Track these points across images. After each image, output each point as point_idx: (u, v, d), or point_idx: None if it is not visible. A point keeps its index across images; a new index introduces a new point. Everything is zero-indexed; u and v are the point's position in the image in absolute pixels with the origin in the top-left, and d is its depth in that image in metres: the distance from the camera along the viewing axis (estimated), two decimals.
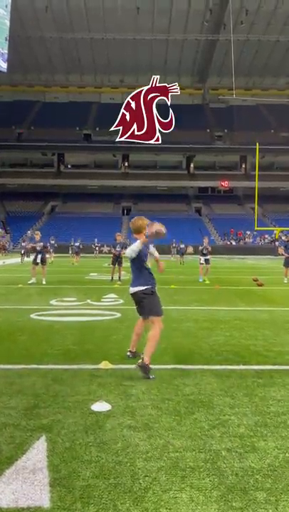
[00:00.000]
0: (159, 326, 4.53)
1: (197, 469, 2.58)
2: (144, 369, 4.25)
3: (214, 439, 2.96)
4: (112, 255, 15.19)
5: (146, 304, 4.60)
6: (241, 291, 12.36)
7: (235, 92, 39.46)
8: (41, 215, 54.48)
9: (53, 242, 31.14)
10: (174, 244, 35.82)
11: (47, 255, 25.33)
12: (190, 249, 37.20)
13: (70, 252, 26.61)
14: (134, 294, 4.64)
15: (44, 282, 13.25)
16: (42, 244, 13.99)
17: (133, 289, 4.63)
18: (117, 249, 14.62)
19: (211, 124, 61.12)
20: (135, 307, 4.82)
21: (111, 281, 14.12)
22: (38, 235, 14.18)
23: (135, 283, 4.63)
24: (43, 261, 13.64)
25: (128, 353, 4.92)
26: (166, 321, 6.97)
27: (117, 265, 14.49)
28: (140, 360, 4.31)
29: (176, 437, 2.98)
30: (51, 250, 29.84)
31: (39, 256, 13.56)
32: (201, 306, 9.29)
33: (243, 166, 60.20)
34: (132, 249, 4.49)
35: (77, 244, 26.64)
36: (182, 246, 28.74)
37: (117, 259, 14.43)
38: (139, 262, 4.64)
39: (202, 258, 15.33)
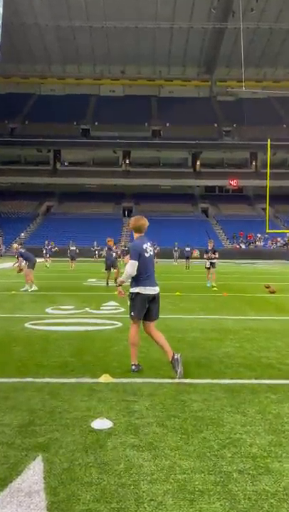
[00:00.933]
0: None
1: (206, 492, 2.57)
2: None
3: (225, 460, 2.95)
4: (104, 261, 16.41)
5: (159, 304, 5.05)
6: (252, 298, 12.34)
7: (245, 83, 39.68)
8: (36, 216, 54.61)
9: (52, 247, 31.16)
10: (175, 248, 35.17)
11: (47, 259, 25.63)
12: (196, 253, 37.16)
13: (69, 256, 26.71)
14: (158, 294, 5.00)
15: (27, 288, 13.27)
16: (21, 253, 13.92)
17: (158, 288, 5.01)
18: (111, 253, 15.82)
19: (219, 118, 61.25)
20: (138, 311, 4.89)
21: (107, 286, 14.74)
22: (14, 248, 14.27)
23: (154, 283, 4.99)
24: (30, 266, 13.69)
25: (133, 367, 4.94)
26: (171, 331, 6.99)
27: (112, 269, 15.40)
28: (180, 354, 4.77)
29: (183, 458, 2.98)
30: (48, 255, 29.97)
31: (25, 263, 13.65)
32: (208, 314, 9.28)
33: (254, 163, 60.26)
34: (128, 272, 4.90)
35: (73, 248, 26.66)
36: (187, 249, 28.65)
37: (111, 264, 15.42)
38: (152, 260, 5.06)
39: (208, 262, 15.65)
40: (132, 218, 5.22)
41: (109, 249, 16.00)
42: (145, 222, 5.11)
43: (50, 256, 30.18)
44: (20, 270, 13.68)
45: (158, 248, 31.09)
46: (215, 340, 6.70)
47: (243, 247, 48.48)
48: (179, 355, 4.72)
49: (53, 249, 30.93)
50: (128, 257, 5.22)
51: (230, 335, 7.09)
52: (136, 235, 5.14)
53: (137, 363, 4.97)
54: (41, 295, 12.39)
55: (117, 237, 42.77)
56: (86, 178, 56.27)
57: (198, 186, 60.03)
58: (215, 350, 6.04)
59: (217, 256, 16.08)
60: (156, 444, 3.17)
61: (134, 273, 4.85)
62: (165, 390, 4.32)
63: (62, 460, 2.93)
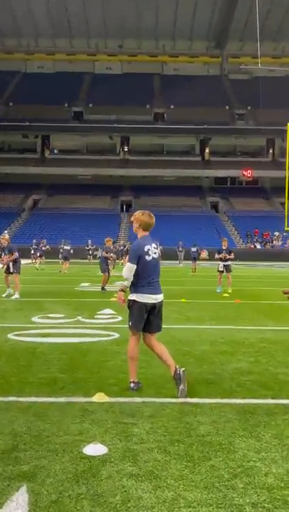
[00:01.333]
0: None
1: None
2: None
3: (236, 491, 2.95)
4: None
5: (161, 315, 5.05)
6: (268, 306, 12.35)
7: (261, 60, 39.57)
8: (21, 211, 54.71)
9: (43, 245, 31.25)
10: (180, 248, 34.90)
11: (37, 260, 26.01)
12: (204, 254, 37.22)
13: (60, 256, 26.83)
14: (160, 303, 4.97)
15: (17, 296, 13.16)
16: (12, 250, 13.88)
17: (161, 296, 4.99)
18: (110, 254, 16.64)
19: (231, 99, 61.36)
20: (135, 322, 4.89)
21: (103, 292, 15.17)
22: (4, 239, 14.25)
23: (156, 290, 4.95)
24: (16, 268, 13.61)
25: (132, 385, 4.93)
26: (176, 344, 7.00)
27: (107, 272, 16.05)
28: (183, 369, 4.73)
29: (188, 488, 2.97)
30: (38, 254, 30.07)
31: (11, 263, 13.59)
32: (218, 324, 9.29)
33: (271, 151, 60.34)
34: (124, 276, 4.92)
35: (67, 247, 26.67)
36: (194, 249, 28.61)
37: (108, 266, 16.31)
38: (155, 264, 5.03)
39: (221, 264, 15.72)
40: (141, 213, 5.05)
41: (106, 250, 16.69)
42: (154, 221, 5.05)
43: (41, 256, 30.28)
44: (5, 264, 13.59)
45: (160, 248, 31.02)
46: (226, 353, 6.71)
47: (259, 246, 48.51)
48: (181, 370, 4.69)
49: (43, 248, 30.99)
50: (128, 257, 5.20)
51: (243, 348, 7.09)
52: (141, 233, 5.02)
53: (136, 380, 4.96)
54: (27, 302, 12.40)
55: (114, 236, 42.83)
56: (79, 167, 56.31)
57: (206, 177, 60.06)
58: (226, 365, 6.04)
59: (233, 257, 16.12)
60: (158, 472, 3.17)
61: (131, 277, 4.83)
62: (168, 411, 4.31)
63: (50, 491, 2.92)
